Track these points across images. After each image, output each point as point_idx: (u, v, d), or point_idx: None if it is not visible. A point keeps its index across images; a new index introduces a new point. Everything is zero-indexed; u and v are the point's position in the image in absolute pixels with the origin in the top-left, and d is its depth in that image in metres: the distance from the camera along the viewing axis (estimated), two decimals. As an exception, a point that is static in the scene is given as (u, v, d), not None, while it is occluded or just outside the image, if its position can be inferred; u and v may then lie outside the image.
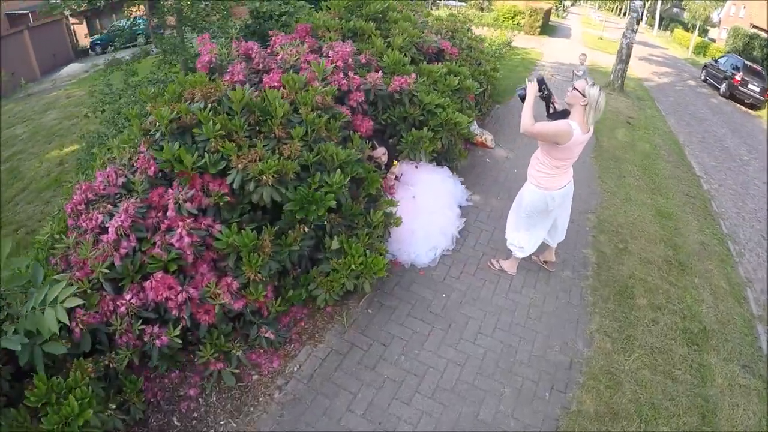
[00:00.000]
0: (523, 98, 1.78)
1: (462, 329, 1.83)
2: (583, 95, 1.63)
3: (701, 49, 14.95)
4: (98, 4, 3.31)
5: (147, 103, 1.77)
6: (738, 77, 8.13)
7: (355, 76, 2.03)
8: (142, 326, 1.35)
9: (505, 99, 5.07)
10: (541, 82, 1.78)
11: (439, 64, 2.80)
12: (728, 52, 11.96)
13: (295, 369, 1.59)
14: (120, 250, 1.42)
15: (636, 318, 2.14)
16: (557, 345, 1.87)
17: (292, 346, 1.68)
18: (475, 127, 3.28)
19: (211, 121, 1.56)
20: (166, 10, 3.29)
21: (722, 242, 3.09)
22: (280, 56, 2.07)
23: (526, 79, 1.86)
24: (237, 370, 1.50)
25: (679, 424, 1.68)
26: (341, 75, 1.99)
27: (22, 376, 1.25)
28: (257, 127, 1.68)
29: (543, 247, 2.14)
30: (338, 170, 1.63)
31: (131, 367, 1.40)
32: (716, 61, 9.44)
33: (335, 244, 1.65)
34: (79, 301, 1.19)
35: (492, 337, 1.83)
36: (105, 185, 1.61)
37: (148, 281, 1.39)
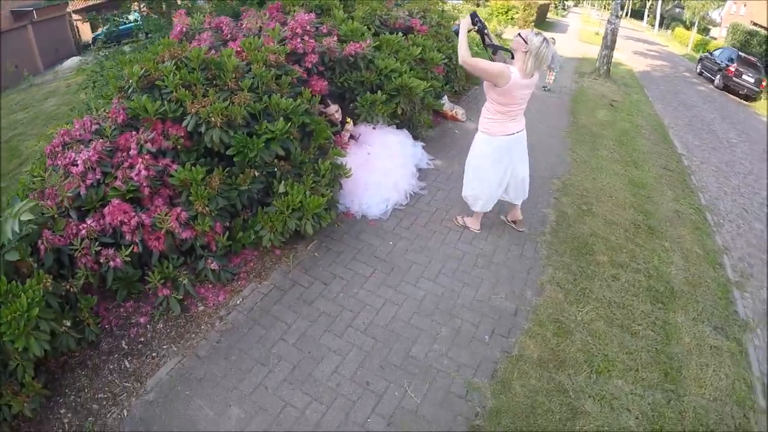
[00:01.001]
0: (458, 33, 1.85)
1: (404, 273, 1.96)
2: (525, 42, 1.71)
3: (701, 46, 15.10)
4: None
5: (124, 66, 2.02)
6: (732, 68, 8.24)
7: (311, 40, 2.24)
8: (100, 248, 1.55)
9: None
10: (474, 16, 1.86)
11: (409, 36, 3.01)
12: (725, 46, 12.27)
13: (238, 302, 1.75)
14: (86, 181, 1.63)
15: (594, 272, 2.14)
16: (503, 293, 1.90)
17: (240, 282, 1.84)
18: (445, 101, 3.47)
19: (172, 74, 1.80)
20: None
21: (699, 212, 3.13)
22: (245, 25, 2.32)
23: (460, 17, 2.01)
24: (181, 297, 1.66)
25: (636, 379, 1.65)
26: (298, 39, 2.21)
27: None
28: (214, 81, 1.90)
29: (509, 206, 2.23)
30: (282, 119, 1.83)
31: (88, 288, 1.60)
32: (711, 54, 9.58)
33: (282, 188, 1.83)
34: (30, 216, 1.37)
35: (434, 282, 1.93)
36: (81, 132, 1.85)
37: (107, 207, 1.60)
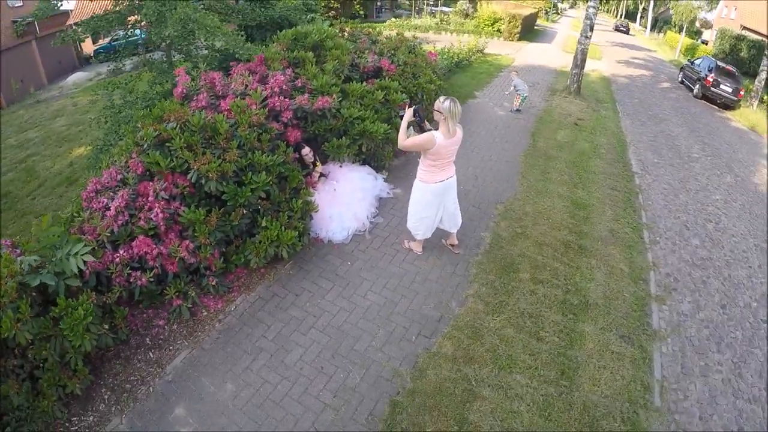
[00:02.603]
0: (401, 117, 2.48)
1: (357, 287, 2.58)
2: (441, 112, 2.25)
3: (690, 51, 15.38)
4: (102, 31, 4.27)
5: (138, 121, 2.68)
6: (710, 78, 8.61)
7: (286, 99, 2.88)
8: (130, 272, 2.21)
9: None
10: (416, 111, 2.39)
11: (376, 80, 3.62)
12: (713, 54, 12.55)
13: (232, 309, 2.42)
14: (118, 222, 2.30)
15: (513, 288, 2.58)
16: (432, 303, 2.42)
17: (233, 294, 2.51)
18: (410, 131, 4.06)
19: (178, 137, 2.44)
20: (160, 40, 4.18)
21: (637, 230, 3.44)
22: (233, 86, 2.95)
23: (406, 105, 2.50)
24: (191, 306, 2.34)
25: (534, 375, 2.03)
26: (276, 98, 2.85)
27: (47, 305, 2.09)
28: (210, 141, 2.55)
29: (447, 233, 2.78)
30: (264, 171, 2.47)
31: (121, 300, 2.25)
32: (692, 63, 9.95)
33: (264, 223, 2.49)
34: (91, 258, 2.04)
35: (379, 294, 2.54)
36: (108, 180, 2.51)
37: (135, 241, 2.25)
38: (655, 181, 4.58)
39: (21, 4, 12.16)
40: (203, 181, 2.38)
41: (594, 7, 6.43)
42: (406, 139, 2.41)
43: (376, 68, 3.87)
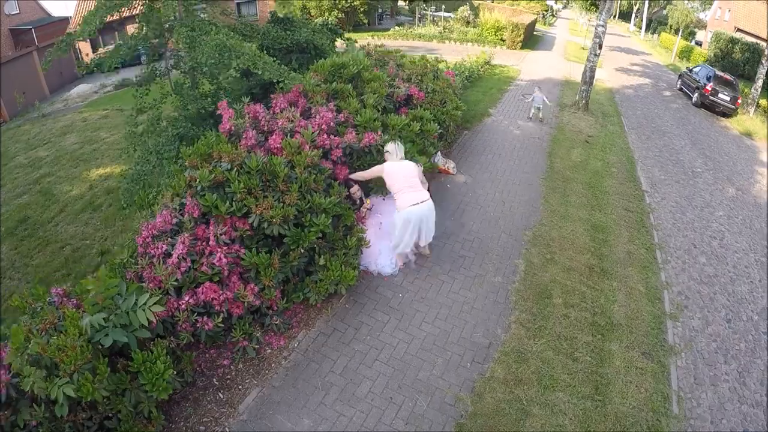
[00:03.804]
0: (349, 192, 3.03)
1: (411, 318, 2.73)
2: (388, 151, 2.91)
3: (686, 53, 15.71)
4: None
5: (186, 159, 2.69)
6: (709, 87, 8.93)
7: (336, 138, 2.97)
8: (196, 317, 2.26)
9: (474, 124, 5.92)
10: (361, 200, 3.10)
11: (407, 110, 3.71)
12: (707, 62, 12.82)
13: (296, 345, 2.52)
14: (181, 269, 2.34)
15: (549, 313, 2.87)
16: (481, 331, 2.68)
17: (293, 330, 2.61)
18: (438, 158, 4.18)
19: (237, 181, 2.49)
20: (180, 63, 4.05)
21: (650, 251, 3.75)
22: (280, 122, 3.00)
23: (362, 197, 3.10)
24: (257, 346, 2.42)
25: (573, 392, 2.32)
26: (325, 136, 2.92)
27: (115, 354, 2.05)
28: (268, 183, 2.61)
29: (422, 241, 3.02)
30: (323, 213, 2.55)
31: (187, 344, 2.30)
32: (691, 71, 10.26)
33: (322, 261, 2.58)
34: (161, 308, 2.03)
35: (432, 324, 2.71)
36: (163, 224, 2.54)
37: (200, 288, 2.30)
38: (663, 200, 4.88)
39: (18, 11, 11.80)
40: (265, 225, 2.44)
41: (603, 26, 6.62)
42: (362, 177, 3.00)
43: (407, 96, 3.97)
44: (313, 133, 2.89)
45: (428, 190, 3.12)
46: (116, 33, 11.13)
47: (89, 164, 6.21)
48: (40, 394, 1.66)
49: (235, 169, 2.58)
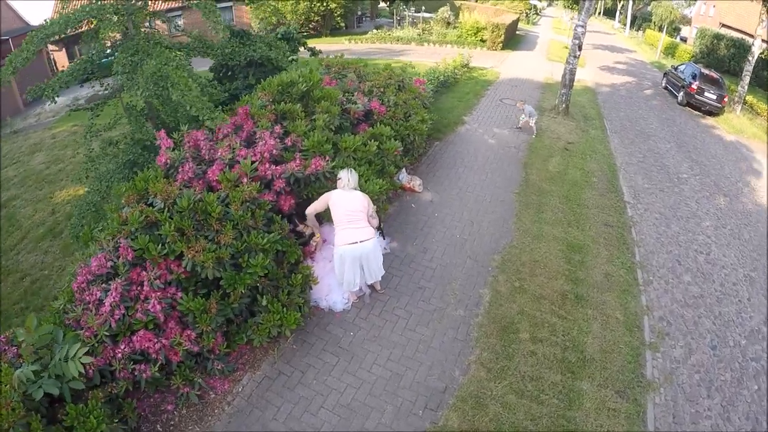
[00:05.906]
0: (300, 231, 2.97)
1: (361, 360, 2.61)
2: (339, 178, 2.76)
3: (671, 50, 15.41)
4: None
5: (122, 196, 2.59)
6: (694, 86, 8.69)
7: (277, 167, 2.83)
8: (134, 365, 2.19)
9: (446, 134, 5.63)
10: (311, 234, 2.99)
11: (368, 126, 3.56)
12: (693, 58, 12.55)
13: (240, 390, 2.45)
14: (114, 317, 2.26)
15: (514, 350, 2.63)
16: (437, 373, 2.47)
17: (239, 372, 2.54)
18: (403, 175, 4.04)
19: (168, 222, 2.39)
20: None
21: (631, 271, 3.44)
22: (220, 152, 2.87)
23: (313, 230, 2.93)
24: (199, 392, 2.35)
25: None
26: (267, 165, 2.79)
27: (53, 403, 2.05)
28: (202, 222, 2.50)
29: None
30: (261, 253, 2.45)
31: (127, 391, 2.24)
32: (676, 69, 10.00)
33: (264, 302, 2.49)
34: (89, 359, 2.01)
35: (384, 367, 2.56)
36: (98, 268, 2.45)
37: (135, 336, 2.23)
38: (646, 211, 4.56)
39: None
40: (198, 269, 2.35)
41: (582, 26, 6.41)
42: (312, 210, 2.82)
43: (366, 112, 3.81)
44: (254, 162, 2.77)
45: (378, 227, 2.96)
46: (92, 44, 10.78)
47: (54, 186, 6.09)
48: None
49: (167, 208, 2.48)
